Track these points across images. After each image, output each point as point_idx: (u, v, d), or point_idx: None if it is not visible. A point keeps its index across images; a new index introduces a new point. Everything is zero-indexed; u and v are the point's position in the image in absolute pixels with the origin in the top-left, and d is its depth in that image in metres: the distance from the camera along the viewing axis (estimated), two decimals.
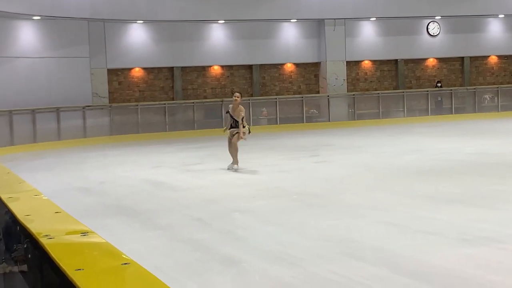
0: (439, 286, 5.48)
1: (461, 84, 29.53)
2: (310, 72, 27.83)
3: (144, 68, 25.32)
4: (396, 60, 28.90)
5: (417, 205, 9.01)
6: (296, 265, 6.18)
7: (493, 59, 30.31)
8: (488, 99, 27.86)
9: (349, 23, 27.34)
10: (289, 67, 27.39)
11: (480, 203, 8.88)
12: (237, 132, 13.18)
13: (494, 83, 29.59)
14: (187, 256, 6.75)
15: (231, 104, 13.68)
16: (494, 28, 29.92)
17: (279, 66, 27.22)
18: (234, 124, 13.30)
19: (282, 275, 5.89)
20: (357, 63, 28.30)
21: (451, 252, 6.44)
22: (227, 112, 13.67)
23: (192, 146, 19.33)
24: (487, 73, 30.30)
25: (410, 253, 6.46)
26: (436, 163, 13.33)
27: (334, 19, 26.67)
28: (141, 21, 24.52)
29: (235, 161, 13.26)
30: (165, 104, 24.20)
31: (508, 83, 29.79)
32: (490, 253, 6.33)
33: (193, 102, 24.57)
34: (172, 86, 25.71)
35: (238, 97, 13.49)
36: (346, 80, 27.25)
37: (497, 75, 30.33)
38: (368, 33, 28.20)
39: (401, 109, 26.62)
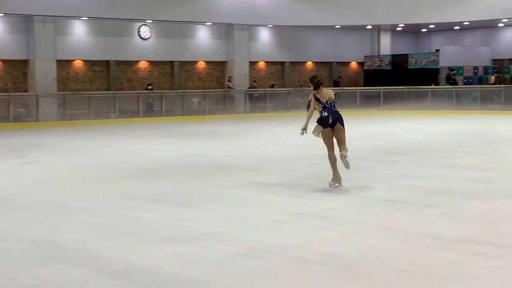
0: (141, 285, 5.55)
1: (171, 87, 30.39)
2: (18, 70, 26.63)
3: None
4: (108, 61, 28.83)
5: (125, 205, 9.05)
6: None
7: (201, 64, 31.66)
8: (196, 102, 29.03)
9: (60, 21, 26.67)
10: None
11: (187, 202, 9.19)
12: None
13: (201, 88, 30.92)
14: None
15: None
16: (202, 34, 31.28)
17: None
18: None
19: None
20: (69, 62, 27.74)
21: (155, 251, 6.57)
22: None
23: None
24: (196, 78, 31.58)
25: (115, 254, 6.46)
26: (147, 164, 13.52)
27: (44, 16, 25.82)
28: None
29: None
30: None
31: (215, 87, 31.35)
32: (192, 250, 6.58)
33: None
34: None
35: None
36: (56, 79, 26.53)
37: (204, 80, 31.75)
38: (79, 32, 27.82)
39: (113, 110, 26.61)
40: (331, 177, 10.05)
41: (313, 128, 10.11)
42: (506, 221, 7.77)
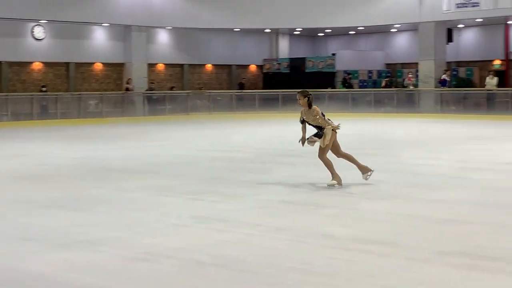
0: None
1: (67, 89, 29.69)
2: None
3: None
4: (0, 62, 27.87)
5: (18, 211, 8.76)
6: None
7: (98, 66, 31.11)
8: (93, 105, 28.47)
9: None
10: None
11: (82, 207, 8.97)
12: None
13: (98, 90, 30.35)
14: None
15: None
16: (99, 35, 30.74)
17: None
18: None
19: None
20: None
21: (50, 257, 6.38)
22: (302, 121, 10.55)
23: None
24: (92, 80, 30.99)
25: (7, 261, 6.24)
26: (41, 167, 13.14)
27: None
28: None
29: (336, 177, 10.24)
30: None
31: (112, 90, 30.86)
32: (88, 256, 6.43)
33: None
34: None
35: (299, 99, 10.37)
36: None
37: (101, 82, 31.20)
38: None
39: (5, 113, 25.69)
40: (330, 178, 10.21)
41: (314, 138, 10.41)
42: (398, 220, 8.02)
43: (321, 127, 10.40)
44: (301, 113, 10.55)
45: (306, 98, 10.39)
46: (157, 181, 11.20)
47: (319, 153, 10.40)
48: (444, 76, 29.18)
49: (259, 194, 9.85)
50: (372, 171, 10.49)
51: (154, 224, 7.92)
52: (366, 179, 10.48)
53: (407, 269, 5.91)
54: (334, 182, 10.20)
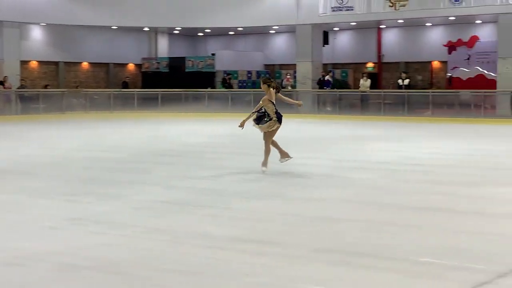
0: None
1: None
2: None
3: None
4: None
5: None
6: None
7: None
8: None
9: None
10: None
11: None
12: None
13: None
14: None
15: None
16: None
17: None
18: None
19: None
20: None
21: None
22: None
23: None
24: None
25: None
26: None
27: None
28: None
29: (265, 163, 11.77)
30: None
31: None
32: None
33: None
34: None
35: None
36: None
37: None
38: None
39: None
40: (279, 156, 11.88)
41: (267, 124, 11.69)
42: (274, 219, 8.10)
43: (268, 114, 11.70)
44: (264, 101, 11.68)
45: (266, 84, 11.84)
46: (31, 183, 10.80)
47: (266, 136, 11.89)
48: (327, 77, 29.98)
49: (136, 194, 9.69)
50: (291, 157, 11.91)
51: (28, 227, 7.62)
52: (282, 162, 11.91)
53: (283, 267, 5.97)
54: (265, 168, 11.59)
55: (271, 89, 11.76)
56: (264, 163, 11.66)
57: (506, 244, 6.79)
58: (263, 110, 11.71)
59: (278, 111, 11.80)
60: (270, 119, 11.70)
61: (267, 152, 11.74)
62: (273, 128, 11.79)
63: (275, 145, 11.94)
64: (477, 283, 5.45)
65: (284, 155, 11.91)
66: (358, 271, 5.85)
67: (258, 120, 11.78)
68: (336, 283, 5.57)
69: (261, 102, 11.66)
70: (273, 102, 11.75)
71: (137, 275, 5.72)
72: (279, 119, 11.76)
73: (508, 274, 5.71)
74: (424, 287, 5.42)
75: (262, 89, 11.89)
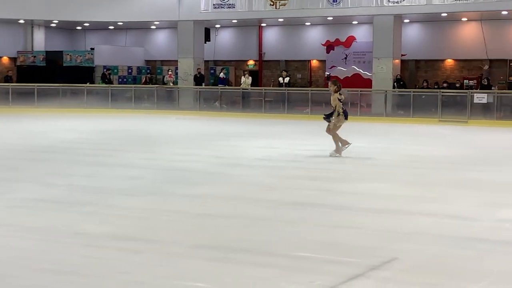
0: None
1: None
2: None
3: None
4: None
5: None
6: None
7: None
8: None
9: None
10: None
11: None
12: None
13: None
14: None
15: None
16: None
17: None
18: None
19: None
20: None
21: None
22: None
23: None
24: None
25: None
26: None
27: None
28: None
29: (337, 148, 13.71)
30: None
31: None
32: None
33: None
34: None
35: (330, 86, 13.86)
36: None
37: None
38: None
39: None
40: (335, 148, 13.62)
41: (336, 119, 13.51)
42: (154, 216, 8.04)
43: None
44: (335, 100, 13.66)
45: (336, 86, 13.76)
46: None
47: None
48: (221, 75, 29.89)
49: (10, 192, 9.35)
50: (350, 143, 13.61)
51: None
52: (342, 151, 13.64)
53: (160, 264, 5.94)
54: (338, 154, 13.62)
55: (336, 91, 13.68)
56: (338, 151, 13.63)
57: (378, 237, 7.05)
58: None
59: (345, 109, 13.81)
60: (338, 115, 13.58)
61: (337, 141, 13.68)
62: (340, 123, 13.62)
63: (338, 138, 13.76)
64: (351, 275, 5.63)
65: (344, 143, 13.71)
66: (237, 267, 5.90)
67: (328, 116, 13.74)
68: (215, 279, 5.60)
69: (334, 102, 13.63)
70: (340, 100, 13.62)
71: (12, 276, 5.53)
72: (346, 116, 13.69)
73: (380, 266, 5.93)
74: (300, 281, 5.54)
75: (331, 90, 13.77)
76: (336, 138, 13.77)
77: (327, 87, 29.45)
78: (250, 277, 5.64)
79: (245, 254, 6.30)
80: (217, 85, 29.95)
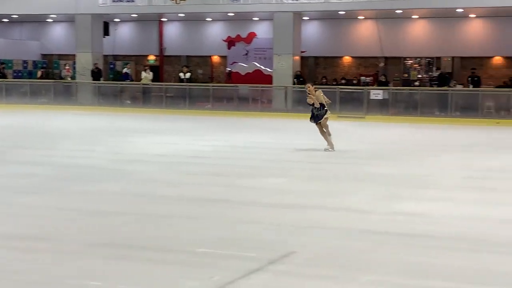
0: None
1: None
2: None
3: None
4: None
5: None
6: None
7: None
8: None
9: None
10: None
11: None
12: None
13: None
14: None
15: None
16: None
17: None
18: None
19: None
20: None
21: None
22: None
23: None
24: None
25: None
26: None
27: None
28: None
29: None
30: None
31: None
32: None
33: None
34: None
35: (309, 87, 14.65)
36: None
37: None
38: None
39: None
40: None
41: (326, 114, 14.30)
42: (49, 214, 7.84)
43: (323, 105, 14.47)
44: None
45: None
46: None
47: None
48: (125, 70, 29.36)
49: None
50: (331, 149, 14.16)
51: None
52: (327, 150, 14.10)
53: (55, 263, 5.79)
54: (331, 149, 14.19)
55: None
56: (331, 144, 14.20)
57: (277, 232, 7.12)
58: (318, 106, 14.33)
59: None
60: (327, 109, 14.47)
61: (327, 136, 14.34)
62: (327, 116, 14.36)
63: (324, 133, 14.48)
64: (249, 270, 5.66)
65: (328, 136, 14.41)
66: (135, 265, 5.82)
67: (316, 118, 14.38)
68: (112, 278, 5.50)
69: (319, 100, 14.36)
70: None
71: None
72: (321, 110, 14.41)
73: (278, 260, 6.00)
74: (200, 277, 5.52)
75: (310, 90, 14.48)
76: (327, 133, 14.36)
77: (228, 83, 29.70)
78: (148, 275, 5.56)
79: (143, 251, 6.22)
80: (124, 80, 29.41)
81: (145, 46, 33.96)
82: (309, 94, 14.48)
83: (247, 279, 5.47)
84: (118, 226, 7.29)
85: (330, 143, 14.23)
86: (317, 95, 14.43)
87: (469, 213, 8.19)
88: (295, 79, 26.88)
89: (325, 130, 14.38)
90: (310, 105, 14.44)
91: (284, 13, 26.72)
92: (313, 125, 14.59)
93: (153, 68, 31.20)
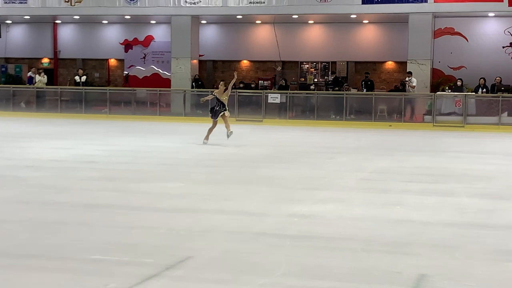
0: None
1: None
2: None
3: None
4: None
5: None
6: None
7: None
8: None
9: None
10: None
11: None
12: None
13: None
14: None
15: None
16: None
17: None
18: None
19: None
20: None
21: None
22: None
23: None
24: None
25: None
26: None
27: None
28: None
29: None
30: None
31: None
32: None
33: None
34: None
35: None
36: None
37: None
38: None
39: None
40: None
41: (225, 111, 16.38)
42: None
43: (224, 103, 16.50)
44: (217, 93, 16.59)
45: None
46: None
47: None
48: (30, 73, 28.42)
49: None
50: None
51: None
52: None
53: None
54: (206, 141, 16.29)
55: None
56: (207, 137, 16.29)
57: (172, 236, 7.09)
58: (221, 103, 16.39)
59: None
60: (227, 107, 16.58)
61: (211, 130, 16.33)
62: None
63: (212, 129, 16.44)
64: (146, 276, 5.61)
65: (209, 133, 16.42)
66: (26, 274, 5.66)
67: (216, 112, 16.44)
68: (2, 287, 5.32)
69: (227, 97, 16.55)
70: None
71: None
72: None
73: (175, 265, 5.97)
74: (94, 285, 5.42)
75: (220, 88, 16.62)
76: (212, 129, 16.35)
77: (126, 87, 29.30)
78: (40, 284, 5.42)
79: (34, 260, 6.05)
80: (30, 84, 28.41)
81: (39, 49, 33.05)
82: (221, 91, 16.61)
83: (144, 285, 5.42)
84: (8, 234, 7.05)
85: (228, 128, 16.25)
86: (227, 93, 16.59)
87: (360, 214, 8.43)
88: (193, 83, 26.85)
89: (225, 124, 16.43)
90: (217, 100, 16.50)
91: (182, 16, 26.67)
92: (216, 129, 16.14)
93: (47, 71, 30.38)
